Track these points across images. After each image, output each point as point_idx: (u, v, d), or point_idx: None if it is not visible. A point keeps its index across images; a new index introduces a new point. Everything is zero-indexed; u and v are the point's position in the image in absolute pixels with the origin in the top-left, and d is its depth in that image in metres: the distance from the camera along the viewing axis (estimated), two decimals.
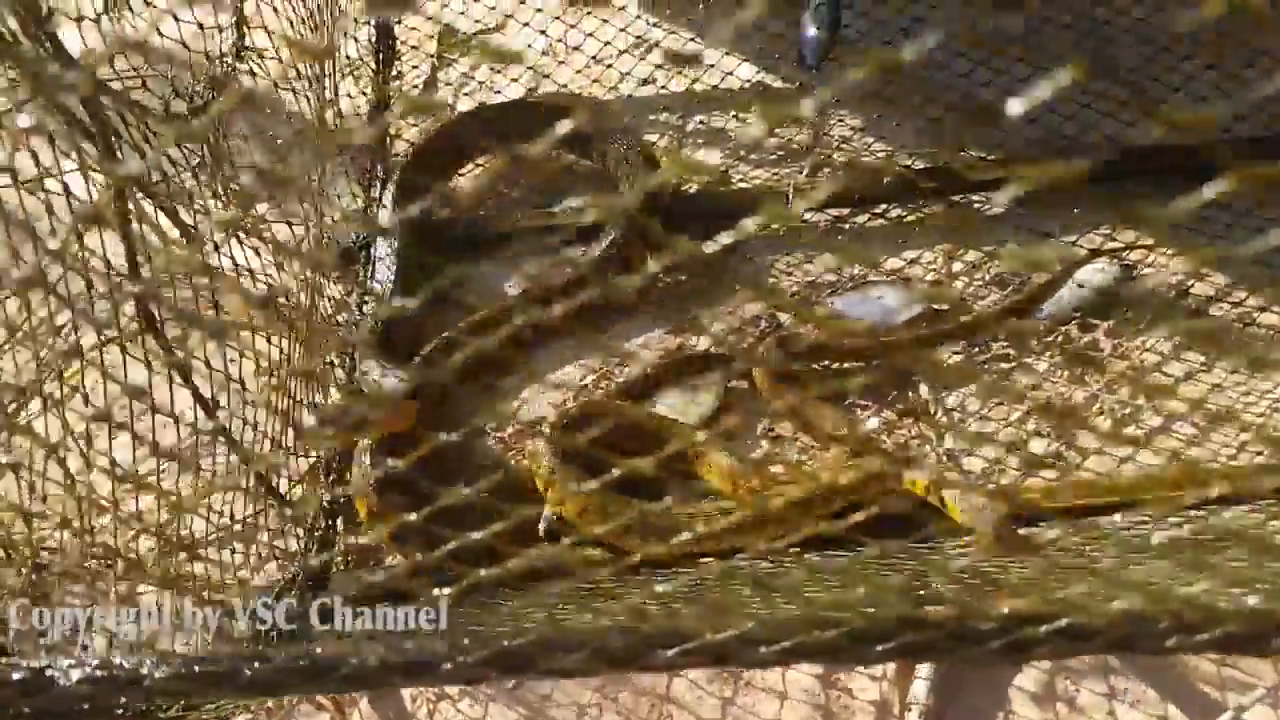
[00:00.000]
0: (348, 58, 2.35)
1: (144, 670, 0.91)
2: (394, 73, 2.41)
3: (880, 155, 2.09)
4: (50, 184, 1.21)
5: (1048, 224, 1.94)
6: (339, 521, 1.74)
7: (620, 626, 0.89)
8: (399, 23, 2.46)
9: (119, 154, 1.18)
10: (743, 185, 2.08)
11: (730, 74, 2.25)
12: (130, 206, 1.16)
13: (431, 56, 2.43)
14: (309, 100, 1.90)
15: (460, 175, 2.22)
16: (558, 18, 2.39)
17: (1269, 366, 1.57)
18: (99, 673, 0.91)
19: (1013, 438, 1.71)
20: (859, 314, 1.88)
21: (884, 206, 2.02)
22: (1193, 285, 1.82)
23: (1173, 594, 0.82)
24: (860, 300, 1.89)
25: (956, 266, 1.92)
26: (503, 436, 1.83)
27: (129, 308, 1.32)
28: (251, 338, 1.58)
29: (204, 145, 1.59)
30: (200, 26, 1.57)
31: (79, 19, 1.31)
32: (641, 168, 2.02)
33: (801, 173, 2.06)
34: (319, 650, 0.91)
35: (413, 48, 2.45)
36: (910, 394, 1.78)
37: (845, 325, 1.84)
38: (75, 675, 0.91)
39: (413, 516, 1.02)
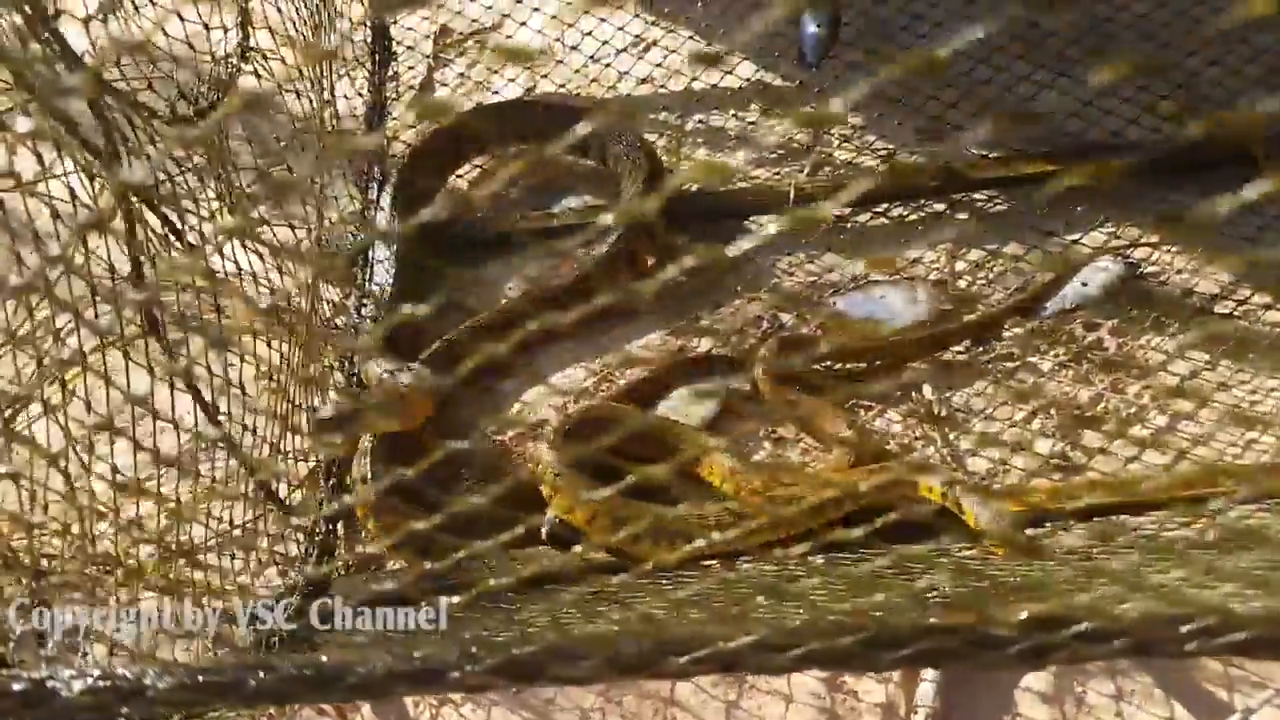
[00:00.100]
0: (344, 59, 2.33)
1: (147, 680, 0.89)
2: (390, 73, 2.39)
3: (881, 154, 2.08)
4: (49, 187, 1.20)
5: (1051, 223, 1.93)
6: (339, 527, 1.72)
7: (631, 633, 0.88)
8: (395, 23, 2.44)
9: (124, 159, 1.16)
10: (742, 185, 2.07)
11: (729, 72, 2.24)
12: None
13: (428, 57, 2.42)
14: (310, 101, 1.89)
15: (458, 176, 2.21)
16: (554, 16, 2.38)
17: None
18: (101, 683, 0.89)
19: (1017, 438, 1.70)
20: (861, 314, 1.87)
21: (885, 206, 2.01)
22: (1198, 284, 1.81)
23: (1193, 597, 0.81)
24: (863, 300, 1.88)
25: (959, 265, 1.91)
26: (503, 440, 1.82)
27: (130, 313, 1.31)
28: (253, 342, 1.57)
29: (208, 149, 1.58)
30: (205, 27, 1.55)
31: (86, 19, 1.29)
32: (644, 166, 2.00)
33: (802, 172, 2.04)
34: (325, 659, 0.89)
35: (409, 48, 2.43)
36: (914, 394, 1.77)
37: (850, 325, 1.83)
38: (77, 686, 0.89)
39: (421, 525, 1.00)
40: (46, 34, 1.17)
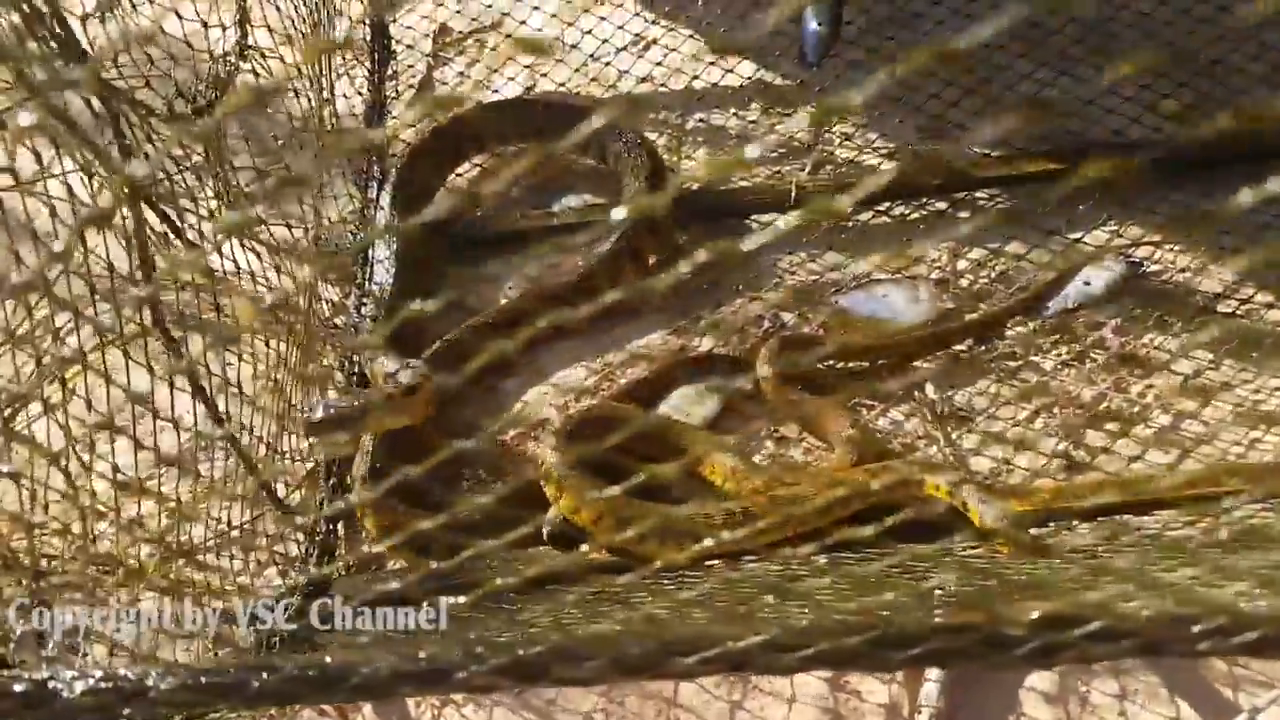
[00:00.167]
0: (343, 58, 2.33)
1: (149, 681, 0.88)
2: (390, 72, 2.39)
3: (882, 152, 2.07)
4: (46, 187, 1.19)
5: (1053, 221, 1.93)
6: (340, 527, 1.72)
7: (636, 634, 0.87)
8: (394, 22, 2.43)
9: (131, 154, 1.16)
10: (743, 184, 2.06)
11: (730, 71, 2.23)
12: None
13: (427, 56, 2.41)
14: (308, 100, 1.88)
15: (458, 175, 2.20)
16: (554, 15, 2.37)
17: None
18: (103, 684, 0.89)
19: (1020, 437, 1.69)
20: (864, 312, 1.86)
21: (887, 204, 2.00)
22: (1201, 282, 1.81)
23: (1204, 596, 0.80)
24: (865, 299, 1.88)
25: (962, 264, 1.91)
26: (503, 440, 1.81)
27: (130, 311, 1.30)
28: (251, 341, 1.56)
29: (205, 145, 1.57)
30: (204, 25, 1.54)
31: (84, 17, 1.28)
32: (646, 164, 2.00)
33: (804, 170, 2.04)
34: (329, 659, 0.88)
35: (408, 47, 2.42)
36: (917, 394, 1.76)
37: (852, 324, 1.83)
38: (79, 687, 0.88)
39: (419, 525, 0.99)
40: (44, 32, 1.16)
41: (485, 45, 2.42)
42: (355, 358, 1.88)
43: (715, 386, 1.81)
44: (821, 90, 2.16)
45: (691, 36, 2.31)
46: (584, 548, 0.95)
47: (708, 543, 1.12)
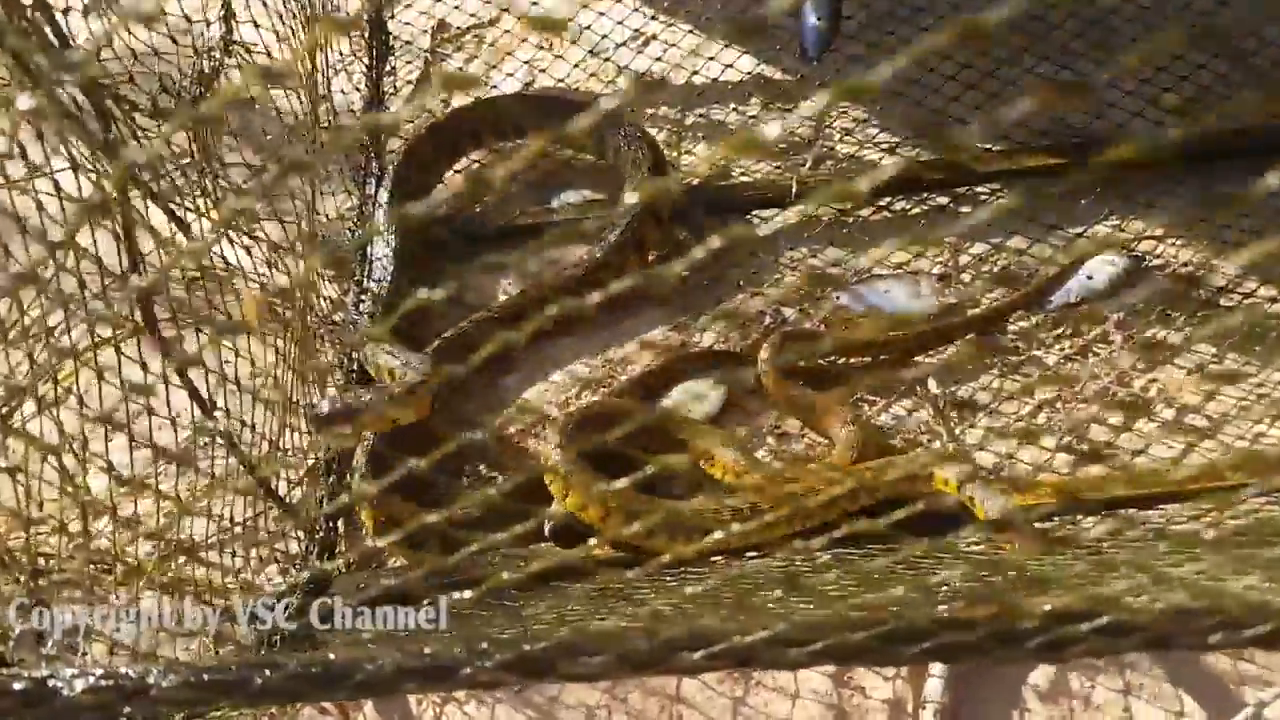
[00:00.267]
0: (340, 54, 2.31)
1: (150, 679, 0.88)
2: (387, 68, 2.37)
3: (884, 148, 2.06)
4: (34, 187, 1.18)
5: (1053, 215, 1.92)
6: (340, 524, 1.71)
7: (642, 629, 0.86)
8: (392, 18, 2.42)
9: (121, 145, 1.14)
10: (744, 179, 2.05)
11: (730, 66, 2.22)
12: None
13: (425, 52, 2.40)
14: (302, 98, 1.86)
15: (455, 171, 2.19)
16: (545, 31, 2.36)
17: None
18: (103, 682, 0.88)
19: (1024, 432, 1.69)
20: (865, 308, 1.85)
21: (888, 200, 2.00)
22: (1204, 276, 1.80)
23: (1215, 589, 0.80)
24: (866, 294, 1.87)
25: (963, 259, 1.90)
26: (503, 435, 1.80)
27: (124, 308, 1.29)
28: (249, 339, 1.55)
29: (192, 142, 1.56)
30: (188, 19, 1.53)
31: (65, 9, 1.27)
32: (647, 158, 1.99)
33: (805, 166, 2.03)
34: (332, 656, 0.88)
35: (406, 43, 2.41)
36: (919, 388, 1.76)
37: (854, 320, 1.82)
38: (79, 685, 0.87)
39: (414, 521, 0.98)
40: (29, 21, 1.15)
41: (484, 41, 2.40)
42: (355, 354, 1.87)
43: (717, 382, 1.81)
44: (822, 85, 2.15)
45: (691, 31, 2.30)
46: (591, 542, 0.94)
47: (716, 535, 1.11)
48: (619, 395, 1.78)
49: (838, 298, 1.87)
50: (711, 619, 1.02)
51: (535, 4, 2.39)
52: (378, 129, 2.12)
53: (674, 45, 2.28)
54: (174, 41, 1.57)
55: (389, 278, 1.95)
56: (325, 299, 1.96)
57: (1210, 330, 1.55)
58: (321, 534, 1.66)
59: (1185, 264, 1.83)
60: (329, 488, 1.71)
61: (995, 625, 0.77)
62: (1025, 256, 1.88)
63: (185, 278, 1.62)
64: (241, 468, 1.46)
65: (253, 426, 1.53)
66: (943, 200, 1.99)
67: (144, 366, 1.26)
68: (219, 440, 1.43)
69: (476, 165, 2.19)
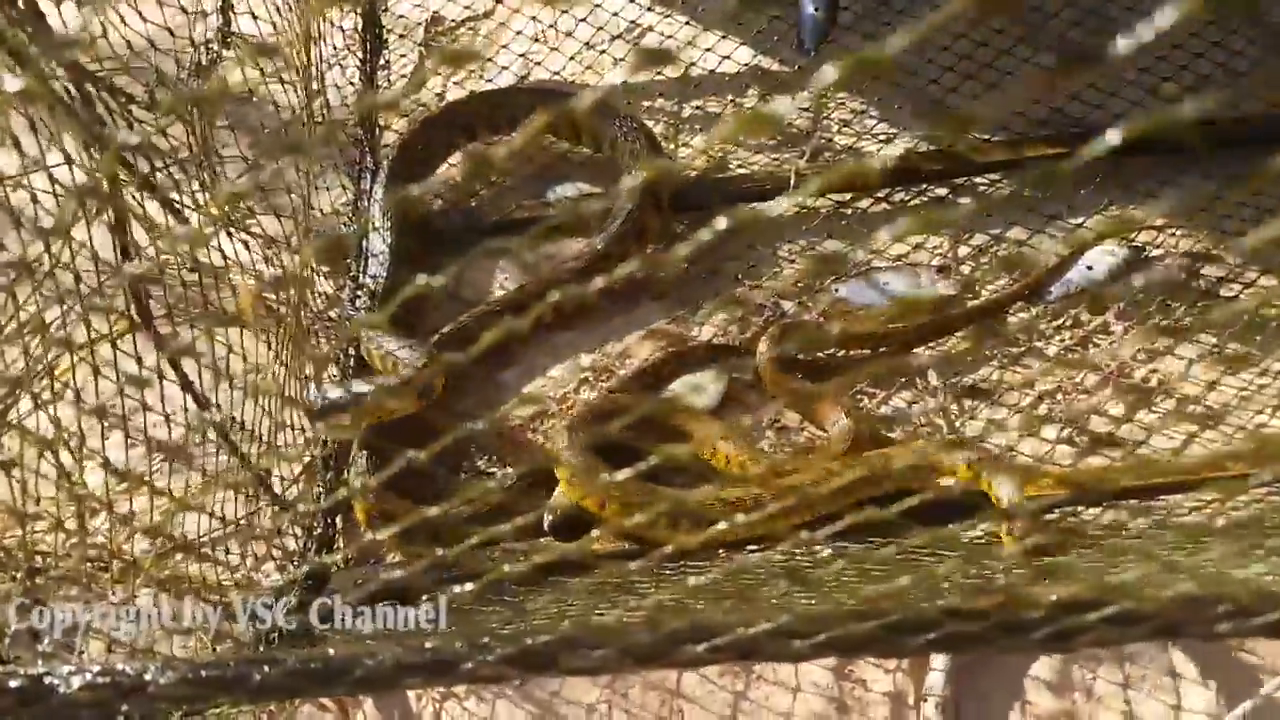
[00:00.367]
0: (334, 48, 2.30)
1: (148, 676, 0.87)
2: (381, 62, 2.36)
3: (881, 139, 2.05)
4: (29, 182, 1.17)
5: (1054, 205, 1.92)
6: (338, 519, 1.70)
7: (646, 622, 0.85)
8: (386, 10, 2.41)
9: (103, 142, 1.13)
10: (741, 171, 2.04)
11: (727, 57, 2.21)
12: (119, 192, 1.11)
13: (419, 45, 2.38)
14: (295, 88, 1.85)
15: (450, 165, 2.17)
16: (548, 2, 2.34)
17: None
18: (101, 679, 0.87)
19: (1025, 423, 1.68)
20: (864, 300, 1.85)
21: (886, 190, 1.99)
22: (1204, 266, 1.80)
23: (1223, 577, 0.79)
24: (865, 286, 1.86)
25: (963, 250, 1.89)
26: (502, 430, 1.79)
27: (119, 302, 1.28)
28: (241, 334, 1.54)
29: (190, 135, 1.54)
30: (185, 11, 1.52)
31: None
32: (645, 150, 1.98)
33: (802, 158, 2.02)
34: (332, 652, 0.87)
35: (400, 36, 2.40)
36: (920, 380, 1.75)
37: (853, 312, 1.81)
38: (76, 682, 0.86)
39: (414, 513, 0.97)
40: (13, 8, 1.14)
41: (478, 34, 2.39)
42: (352, 348, 1.86)
43: (715, 376, 1.80)
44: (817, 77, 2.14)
45: (687, 23, 2.29)
46: (594, 533, 0.94)
47: (721, 526, 1.10)
48: (618, 389, 1.77)
49: (836, 290, 1.86)
50: (713, 611, 1.02)
51: None
52: (375, 107, 2.10)
53: (670, 37, 2.26)
54: (171, 33, 1.55)
55: (385, 273, 1.94)
56: (321, 295, 1.95)
57: (1221, 316, 1.54)
58: (319, 529, 1.65)
59: (1185, 254, 1.83)
60: (327, 483, 1.70)
61: (1002, 615, 0.77)
62: (1025, 247, 1.88)
63: (180, 271, 1.60)
64: (238, 462, 1.45)
65: (242, 424, 1.52)
66: (941, 191, 1.98)
67: (139, 361, 1.25)
68: (215, 435, 1.41)
69: (471, 159, 2.18)
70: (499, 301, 1.89)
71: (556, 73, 2.27)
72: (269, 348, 1.61)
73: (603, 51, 2.27)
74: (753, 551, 1.49)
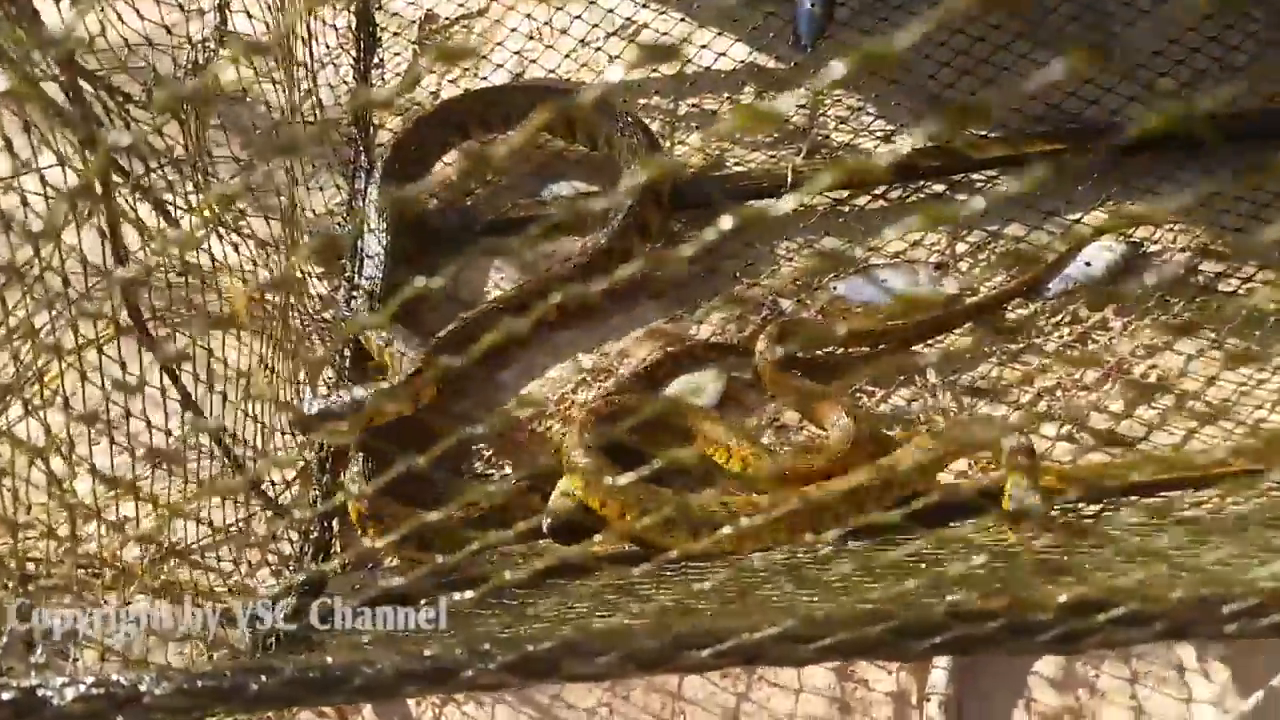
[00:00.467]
0: (328, 47, 2.28)
1: (143, 686, 0.85)
2: (375, 60, 2.34)
3: (879, 135, 2.04)
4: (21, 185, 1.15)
5: (1051, 202, 1.91)
6: (335, 524, 1.68)
7: (649, 627, 0.84)
8: (379, 9, 2.39)
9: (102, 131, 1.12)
10: (738, 169, 2.03)
11: (723, 54, 2.20)
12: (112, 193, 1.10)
13: (413, 43, 2.37)
14: (286, 87, 1.84)
15: (445, 164, 2.16)
16: (543, 0, 2.33)
17: None
18: (95, 690, 0.85)
19: (1024, 420, 1.68)
20: (863, 297, 1.83)
21: (883, 188, 1.98)
22: (1201, 262, 1.79)
23: (1233, 577, 0.78)
24: (863, 284, 1.85)
25: (960, 247, 1.88)
26: (501, 432, 1.78)
27: (109, 307, 1.26)
28: (238, 335, 1.53)
29: (185, 135, 1.53)
30: (181, 9, 1.51)
31: None
32: (644, 147, 1.96)
33: (799, 155, 2.01)
34: (330, 660, 0.85)
35: (394, 34, 2.38)
36: (919, 378, 1.74)
37: (851, 310, 1.80)
38: (70, 694, 0.85)
39: (418, 518, 0.96)
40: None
41: (473, 31, 2.37)
42: (347, 351, 1.84)
43: (714, 375, 1.78)
44: (816, 73, 2.13)
45: (683, 19, 2.27)
46: (598, 537, 0.93)
47: (726, 530, 1.09)
48: (618, 389, 1.76)
49: (835, 288, 1.85)
50: (717, 613, 1.00)
51: None
52: (369, 105, 2.09)
53: (665, 34, 2.25)
54: (168, 31, 1.54)
55: (381, 274, 1.92)
56: (315, 296, 1.93)
57: (1230, 310, 1.54)
58: (315, 535, 1.64)
59: (1183, 250, 1.82)
60: (323, 487, 1.69)
61: (1009, 618, 0.76)
62: (1023, 244, 1.86)
63: (168, 274, 1.59)
64: (231, 467, 1.44)
65: (237, 431, 1.50)
66: (939, 188, 1.97)
67: (123, 366, 1.24)
68: (207, 440, 1.40)
69: (465, 158, 2.16)
70: (501, 300, 1.87)
71: (551, 70, 2.25)
72: (262, 350, 1.60)
73: (598, 49, 2.26)
74: (755, 551, 1.47)
